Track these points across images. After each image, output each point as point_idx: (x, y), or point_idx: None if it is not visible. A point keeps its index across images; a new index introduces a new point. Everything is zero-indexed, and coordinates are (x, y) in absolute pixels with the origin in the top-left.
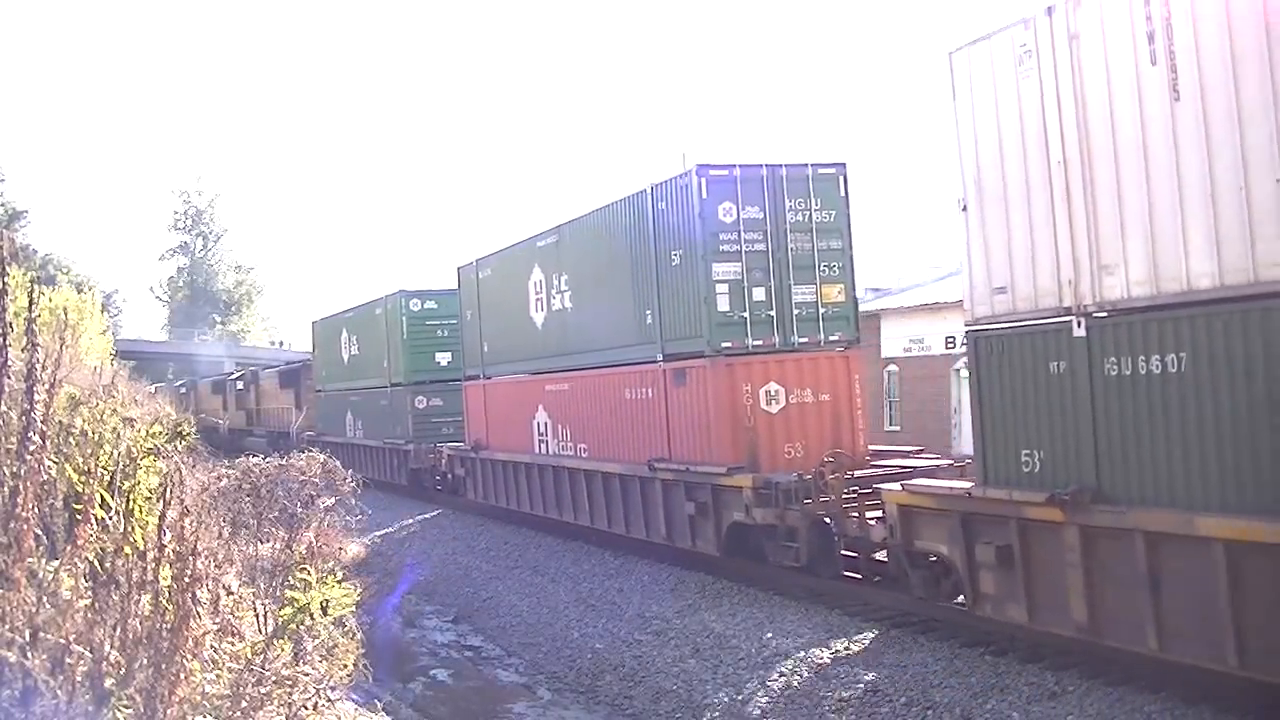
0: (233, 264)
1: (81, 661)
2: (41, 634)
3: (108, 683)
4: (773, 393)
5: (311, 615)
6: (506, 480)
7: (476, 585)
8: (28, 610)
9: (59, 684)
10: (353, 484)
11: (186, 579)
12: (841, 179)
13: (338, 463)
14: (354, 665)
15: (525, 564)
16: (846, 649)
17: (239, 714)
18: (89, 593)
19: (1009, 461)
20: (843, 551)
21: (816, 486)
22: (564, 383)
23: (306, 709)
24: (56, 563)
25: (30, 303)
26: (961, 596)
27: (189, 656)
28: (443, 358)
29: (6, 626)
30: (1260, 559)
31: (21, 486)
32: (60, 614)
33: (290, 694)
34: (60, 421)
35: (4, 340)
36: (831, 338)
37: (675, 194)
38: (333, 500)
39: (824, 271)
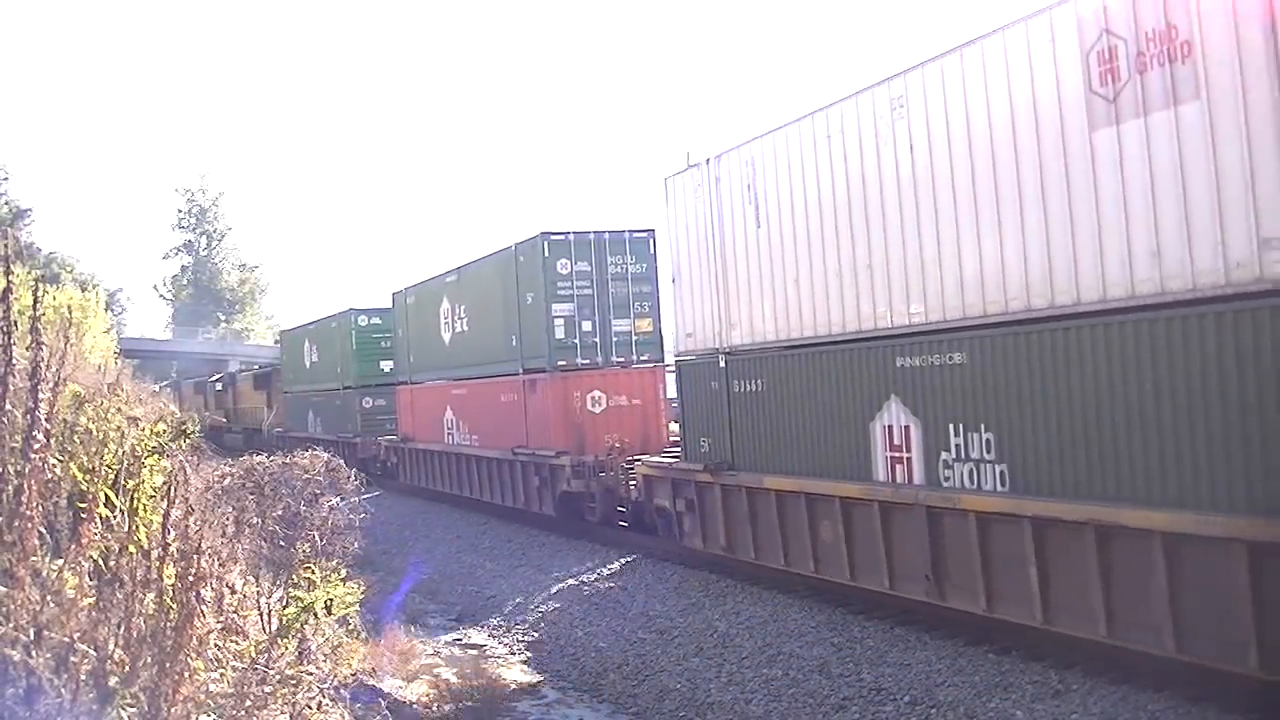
0: (237, 262)
1: (85, 660)
2: (46, 632)
3: (112, 681)
4: (596, 398)
5: (315, 614)
6: (426, 465)
7: (480, 584)
8: (32, 609)
9: (63, 682)
10: (356, 483)
11: (190, 578)
12: (651, 241)
13: (341, 461)
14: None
15: (529, 562)
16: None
17: (243, 713)
18: (93, 591)
19: (695, 445)
20: (620, 508)
21: (607, 465)
22: (464, 388)
23: (311, 708)
24: (60, 561)
25: (35, 301)
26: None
27: (193, 655)
28: (385, 365)
29: (11, 625)
30: (795, 500)
31: (26, 485)
32: (64, 612)
33: (294, 693)
34: (65, 420)
35: (8, 339)
36: (642, 358)
37: (529, 251)
38: (337, 499)
39: (636, 309)
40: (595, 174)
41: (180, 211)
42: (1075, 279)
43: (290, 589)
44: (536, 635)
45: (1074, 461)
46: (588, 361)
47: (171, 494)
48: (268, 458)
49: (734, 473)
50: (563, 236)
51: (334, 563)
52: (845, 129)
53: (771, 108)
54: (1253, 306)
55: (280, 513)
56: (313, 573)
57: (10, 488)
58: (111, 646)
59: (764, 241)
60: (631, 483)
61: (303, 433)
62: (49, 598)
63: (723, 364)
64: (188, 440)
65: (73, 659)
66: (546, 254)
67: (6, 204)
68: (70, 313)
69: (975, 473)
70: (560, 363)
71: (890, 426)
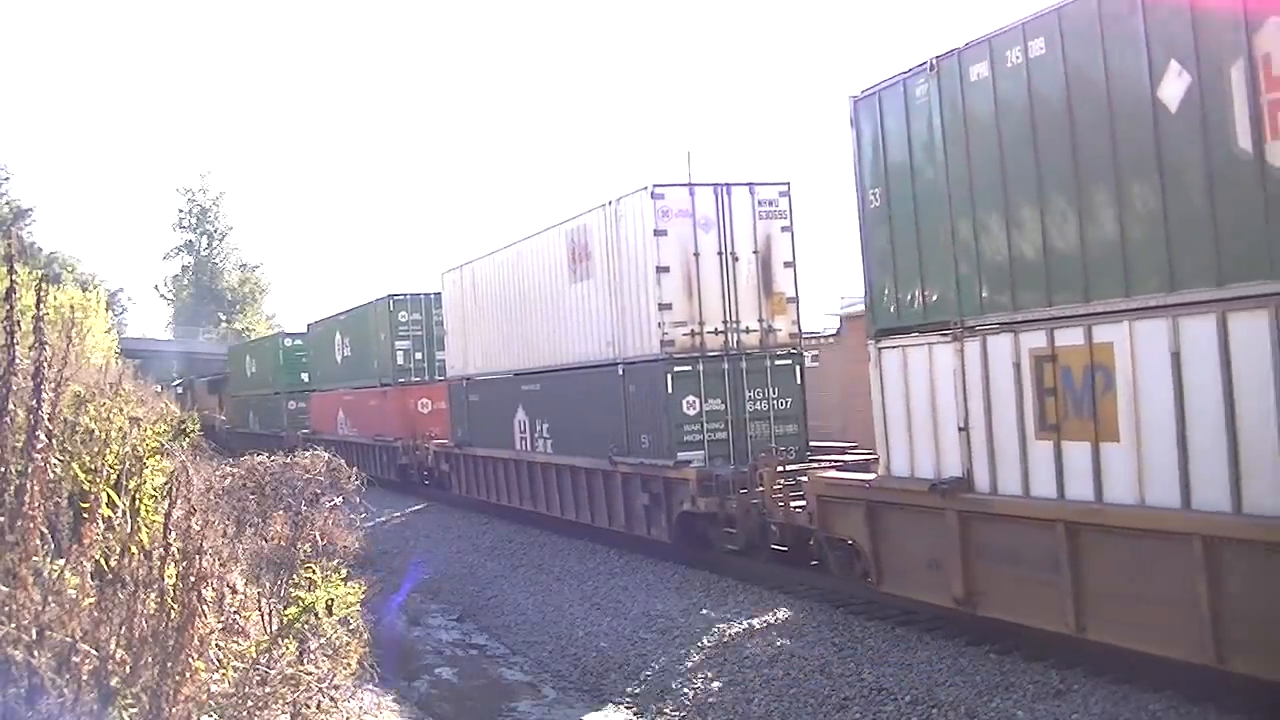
0: (237, 262)
1: (87, 660)
2: (48, 632)
3: (113, 681)
4: (424, 403)
5: (316, 615)
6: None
7: (481, 584)
8: (34, 609)
9: (65, 682)
10: (357, 482)
11: (192, 578)
12: None
13: (342, 461)
14: (359, 663)
15: (530, 562)
16: (853, 654)
17: (244, 713)
18: (95, 591)
19: (454, 431)
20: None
21: (420, 446)
22: (349, 396)
23: (311, 707)
24: (62, 561)
25: (38, 301)
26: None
27: (194, 655)
28: (305, 376)
29: (13, 625)
30: (489, 461)
31: (29, 485)
32: (66, 612)
33: (295, 693)
34: (66, 419)
35: (12, 338)
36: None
37: (382, 306)
38: (339, 499)
39: None
40: (595, 171)
41: (181, 211)
42: (570, 352)
43: (291, 589)
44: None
45: (570, 437)
46: (419, 379)
47: (173, 494)
48: (268, 457)
49: (470, 448)
50: (402, 296)
51: (334, 562)
52: (502, 265)
53: (767, 108)
54: (607, 369)
55: (281, 512)
56: (313, 573)
57: (12, 487)
58: (113, 646)
59: (479, 317)
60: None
61: (245, 428)
62: (51, 598)
63: (464, 384)
64: (188, 439)
65: (74, 659)
66: (391, 309)
67: (8, 204)
68: (72, 312)
69: (545, 444)
70: (401, 380)
71: (519, 420)
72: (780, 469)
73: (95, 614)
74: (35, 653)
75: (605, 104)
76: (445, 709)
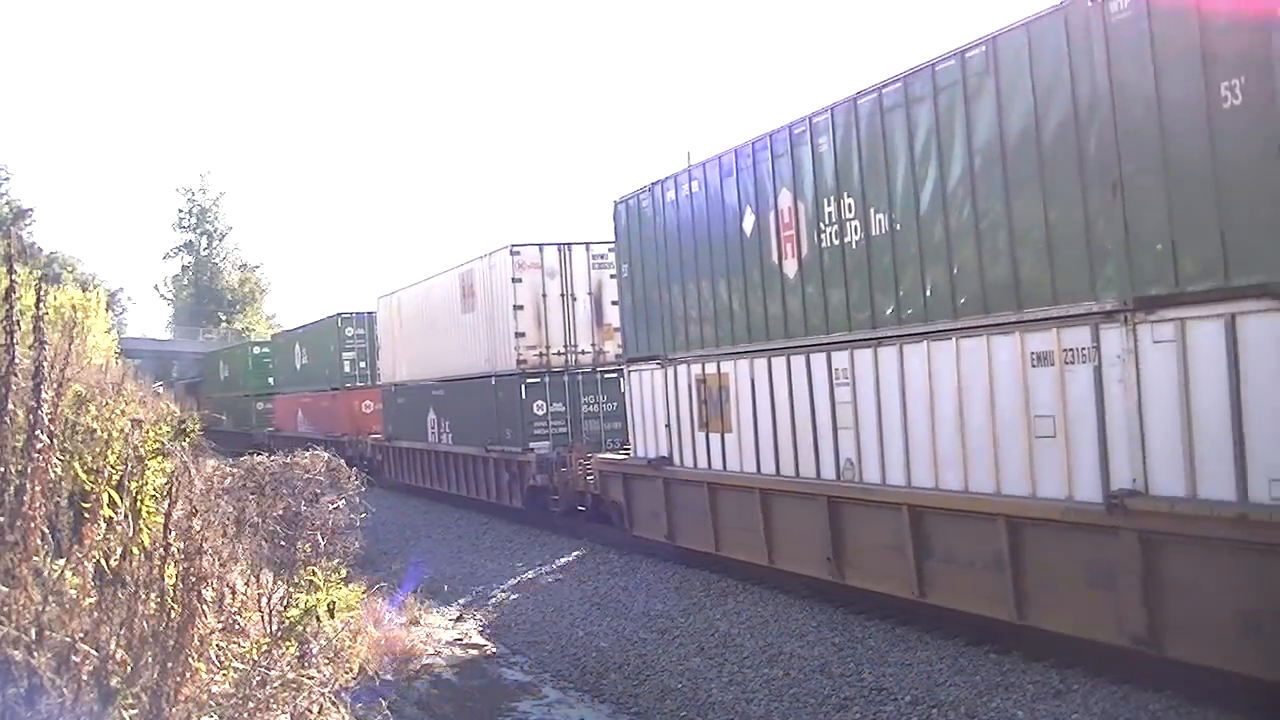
0: (237, 262)
1: (87, 660)
2: (48, 632)
3: (113, 681)
4: (367, 405)
5: (317, 617)
6: (287, 445)
7: (481, 584)
8: (34, 609)
9: (65, 682)
10: (357, 483)
11: (192, 578)
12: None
13: (342, 461)
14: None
15: (529, 562)
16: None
17: (245, 714)
18: (95, 591)
19: (387, 428)
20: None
21: (362, 441)
22: (306, 398)
23: (312, 711)
24: (62, 561)
25: (37, 301)
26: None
27: (195, 656)
28: (271, 380)
29: (13, 625)
30: (410, 452)
31: (29, 485)
32: (66, 613)
33: (295, 697)
34: (67, 419)
35: (11, 338)
36: None
37: (333, 322)
38: (339, 499)
39: None
40: (594, 169)
41: (181, 211)
42: (463, 366)
43: (291, 589)
44: None
45: (462, 431)
46: (363, 384)
47: (173, 494)
48: (268, 457)
49: (397, 441)
50: (349, 314)
51: (335, 562)
52: (419, 295)
53: (768, 106)
54: (485, 380)
55: (281, 512)
56: (314, 574)
57: (12, 487)
58: (113, 647)
59: (403, 335)
60: (369, 449)
61: (221, 428)
62: (51, 598)
63: (393, 389)
64: (188, 439)
65: (74, 659)
66: (339, 324)
67: (8, 204)
68: (73, 312)
69: (447, 437)
70: (348, 384)
71: (431, 419)
72: (584, 453)
73: (95, 614)
74: (35, 653)
75: (605, 104)
76: (446, 709)
